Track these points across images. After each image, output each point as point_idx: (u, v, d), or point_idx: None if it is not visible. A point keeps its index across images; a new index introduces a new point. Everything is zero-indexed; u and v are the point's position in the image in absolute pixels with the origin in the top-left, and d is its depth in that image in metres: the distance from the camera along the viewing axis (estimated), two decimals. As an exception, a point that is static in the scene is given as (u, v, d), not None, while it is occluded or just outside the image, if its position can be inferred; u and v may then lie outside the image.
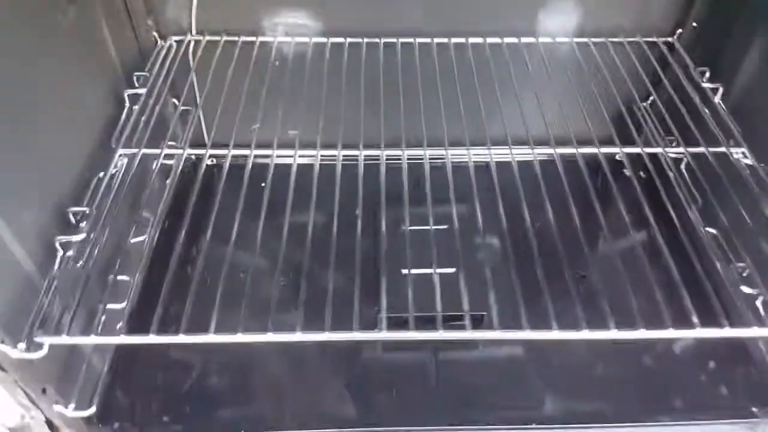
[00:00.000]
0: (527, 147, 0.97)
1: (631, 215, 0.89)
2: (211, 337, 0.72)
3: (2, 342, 0.68)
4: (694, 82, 1.04)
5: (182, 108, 1.07)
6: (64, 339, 0.72)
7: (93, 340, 0.73)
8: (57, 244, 0.79)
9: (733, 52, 1.03)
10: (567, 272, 0.81)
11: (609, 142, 0.99)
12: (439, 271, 0.83)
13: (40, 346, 0.71)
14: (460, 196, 0.91)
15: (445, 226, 0.91)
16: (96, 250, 0.81)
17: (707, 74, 1.04)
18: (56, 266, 0.79)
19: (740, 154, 0.94)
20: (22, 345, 0.69)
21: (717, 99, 1.01)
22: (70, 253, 0.80)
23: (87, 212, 0.84)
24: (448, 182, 0.92)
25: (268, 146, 0.97)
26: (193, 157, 1.08)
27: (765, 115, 0.95)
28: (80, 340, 0.76)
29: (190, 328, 0.73)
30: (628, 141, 1.00)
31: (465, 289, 0.81)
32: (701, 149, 0.94)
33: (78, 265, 0.80)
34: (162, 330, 0.73)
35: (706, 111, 1.00)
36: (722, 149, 0.93)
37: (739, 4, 1.01)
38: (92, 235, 0.82)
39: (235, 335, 0.72)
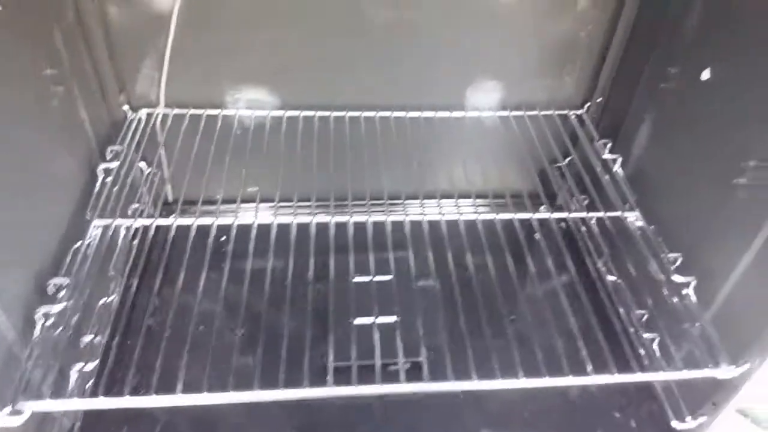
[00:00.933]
0: (466, 202, 1.09)
1: (554, 265, 0.98)
2: (179, 398, 0.77)
3: (-12, 410, 0.73)
4: (597, 152, 1.14)
5: (151, 171, 1.14)
6: (47, 404, 0.77)
7: (73, 404, 0.78)
8: (37, 315, 0.84)
9: (629, 125, 1.13)
10: (499, 317, 0.90)
11: (535, 198, 1.10)
12: (379, 320, 0.90)
13: (21, 411, 0.75)
14: (402, 248, 0.99)
15: (388, 277, 0.99)
16: (73, 319, 0.87)
17: (609, 145, 1.14)
18: (36, 334, 0.83)
19: (633, 218, 1.03)
20: (7, 410, 0.74)
21: (616, 168, 1.11)
22: (49, 321, 0.84)
23: (65, 284, 0.88)
24: (387, 235, 1.00)
25: (232, 202, 1.05)
26: (161, 216, 1.14)
27: (652, 183, 1.04)
28: (61, 405, 0.80)
29: (159, 386, 0.78)
30: (550, 197, 1.13)
31: (401, 337, 0.88)
32: (600, 213, 1.04)
33: (56, 332, 0.85)
34: (131, 388, 0.79)
35: (607, 178, 1.10)
36: (618, 214, 1.03)
37: (633, 83, 1.11)
38: (69, 303, 0.87)
39: (201, 395, 0.78)
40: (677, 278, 0.92)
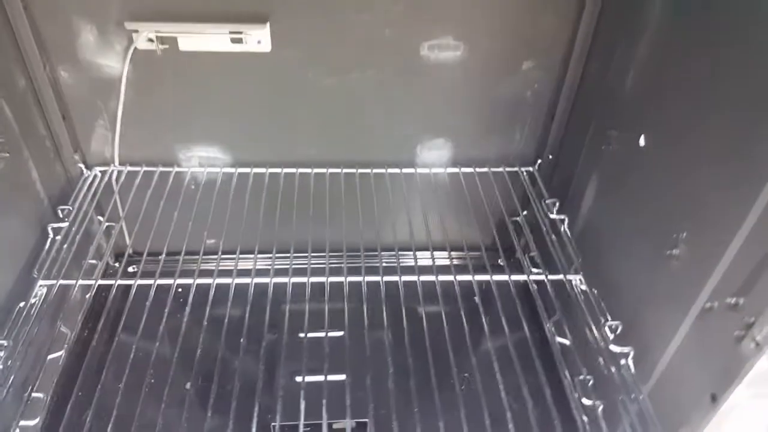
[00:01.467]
0: (423, 255, 1.07)
1: (507, 323, 0.96)
2: None
3: None
4: (545, 212, 1.12)
5: (106, 224, 1.15)
6: None
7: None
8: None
9: (577, 185, 1.11)
10: (453, 376, 0.90)
11: (492, 251, 1.10)
12: (329, 378, 0.88)
13: None
14: (354, 301, 0.98)
15: (339, 333, 0.96)
16: (11, 377, 0.86)
17: (557, 205, 1.13)
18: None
19: (577, 281, 1.01)
20: None
21: (563, 228, 1.09)
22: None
23: (5, 344, 0.88)
24: (344, 292, 0.99)
25: (178, 254, 1.04)
26: (119, 268, 1.13)
27: (597, 245, 1.02)
28: None
29: None
30: (507, 251, 1.13)
31: (350, 395, 0.87)
32: (541, 277, 1.02)
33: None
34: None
35: (554, 238, 1.08)
36: (560, 277, 1.01)
37: (580, 143, 1.10)
38: (9, 363, 0.86)
39: None
40: (615, 348, 0.89)
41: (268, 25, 1.01)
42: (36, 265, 1.00)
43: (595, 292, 0.99)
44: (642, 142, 0.90)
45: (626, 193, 0.95)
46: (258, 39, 1.02)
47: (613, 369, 0.89)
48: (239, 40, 1.02)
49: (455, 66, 1.09)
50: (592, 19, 1.03)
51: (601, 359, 0.90)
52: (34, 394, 0.88)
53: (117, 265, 1.21)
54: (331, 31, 1.04)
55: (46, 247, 1.04)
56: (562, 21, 1.05)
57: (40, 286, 0.98)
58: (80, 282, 1.00)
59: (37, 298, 0.98)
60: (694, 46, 0.79)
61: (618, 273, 0.96)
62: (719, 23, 0.74)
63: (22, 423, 0.86)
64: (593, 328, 0.94)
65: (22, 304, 0.95)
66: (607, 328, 0.93)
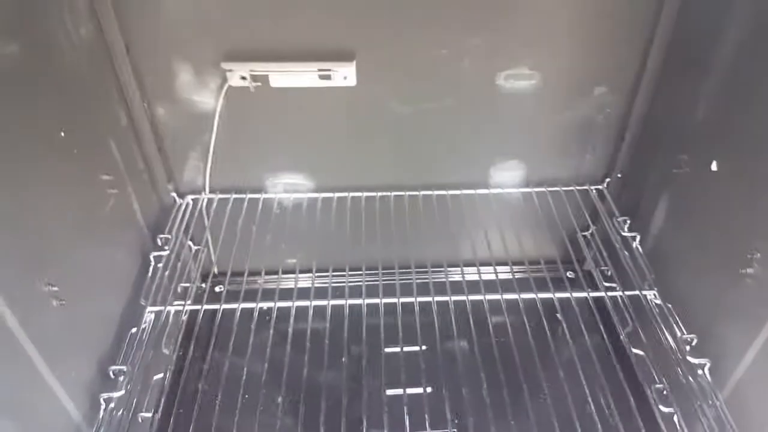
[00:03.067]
0: (489, 269, 1.17)
1: (585, 334, 1.05)
2: None
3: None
4: (616, 229, 1.20)
5: (199, 250, 1.26)
6: None
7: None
8: (101, 399, 0.94)
9: (647, 204, 1.19)
10: (525, 389, 0.97)
11: (557, 263, 1.22)
12: (409, 391, 0.98)
13: None
14: (429, 321, 1.07)
15: (416, 348, 1.06)
16: (134, 400, 0.96)
17: (628, 222, 1.20)
18: (101, 416, 0.93)
19: (652, 296, 1.09)
20: None
21: (635, 245, 1.16)
22: (111, 405, 0.94)
23: (124, 370, 0.98)
24: (415, 312, 1.09)
25: (268, 273, 1.18)
26: (207, 288, 1.25)
27: (669, 262, 1.10)
28: None
29: None
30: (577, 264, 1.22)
31: (430, 408, 0.95)
32: (618, 293, 1.09)
33: (118, 414, 0.94)
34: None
35: (627, 255, 1.16)
36: (636, 292, 1.09)
37: (649, 163, 1.17)
38: (129, 387, 0.97)
39: None
40: (692, 359, 0.97)
41: (354, 62, 1.09)
42: (142, 292, 1.10)
43: (670, 306, 1.06)
44: (714, 167, 0.97)
45: (698, 214, 1.03)
46: (344, 75, 1.11)
47: (690, 378, 0.96)
48: (327, 77, 1.11)
49: (529, 93, 1.17)
50: (661, 50, 1.11)
51: (678, 369, 0.97)
52: (143, 414, 0.99)
53: (204, 286, 1.30)
54: (411, 65, 1.13)
55: (149, 274, 1.14)
56: (633, 50, 1.13)
57: (149, 312, 1.08)
58: (183, 308, 1.09)
59: (147, 323, 1.07)
60: (766, 79, 0.86)
61: (691, 289, 1.04)
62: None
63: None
64: (669, 340, 1.01)
65: (133, 330, 1.06)
66: (681, 341, 1.00)
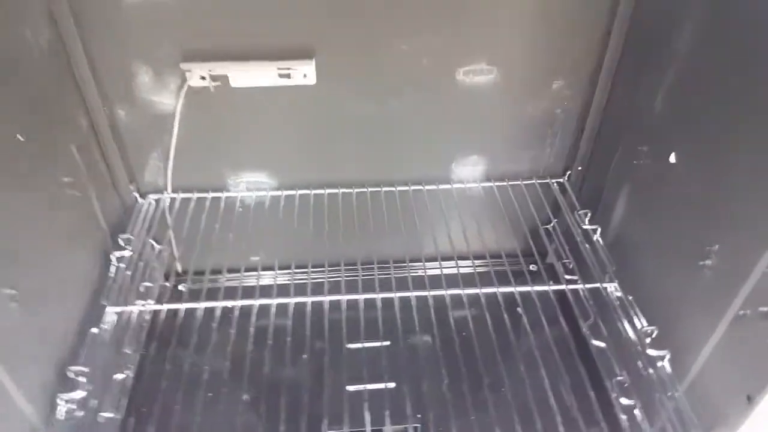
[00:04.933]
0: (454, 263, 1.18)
1: (546, 326, 1.06)
2: None
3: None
4: (577, 222, 1.21)
5: (162, 249, 1.26)
6: None
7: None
8: (59, 400, 0.93)
9: (608, 197, 1.19)
10: (487, 382, 0.99)
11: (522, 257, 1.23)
12: (371, 386, 0.99)
13: None
14: (391, 316, 1.08)
15: (377, 343, 1.07)
16: (94, 402, 0.96)
17: (589, 215, 1.21)
18: (59, 419, 0.92)
19: (612, 288, 1.10)
20: None
21: (596, 237, 1.18)
22: (71, 406, 0.93)
23: (84, 371, 0.96)
24: (377, 308, 1.08)
25: (231, 271, 1.17)
26: (170, 286, 1.26)
27: (630, 254, 1.11)
28: None
29: None
30: (540, 256, 1.23)
31: (392, 403, 0.96)
32: (579, 285, 1.11)
33: (78, 415, 0.93)
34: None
35: (588, 247, 1.17)
36: (597, 285, 1.10)
37: (610, 156, 1.18)
38: (89, 388, 0.96)
39: None
40: (652, 351, 0.98)
41: (314, 61, 1.09)
42: (103, 292, 1.09)
43: (630, 298, 1.07)
44: (673, 158, 0.98)
45: (657, 206, 1.04)
46: (304, 73, 1.11)
47: (650, 370, 0.97)
48: (287, 75, 1.11)
49: (488, 88, 1.17)
50: (618, 43, 1.11)
51: (639, 362, 0.98)
52: (105, 414, 0.98)
53: (167, 284, 1.30)
54: (371, 62, 1.13)
55: (111, 274, 1.13)
56: (590, 44, 1.14)
57: (110, 312, 1.07)
58: (145, 307, 1.09)
59: (108, 324, 1.07)
60: (723, 69, 0.87)
61: (651, 280, 1.05)
62: (747, 48, 0.82)
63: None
64: (630, 332, 1.02)
65: (94, 330, 1.04)
66: (642, 333, 1.01)
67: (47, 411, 0.92)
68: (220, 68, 1.09)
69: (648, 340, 1.00)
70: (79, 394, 0.94)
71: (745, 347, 0.81)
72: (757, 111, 0.80)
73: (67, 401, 0.93)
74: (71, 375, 0.96)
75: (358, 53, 1.11)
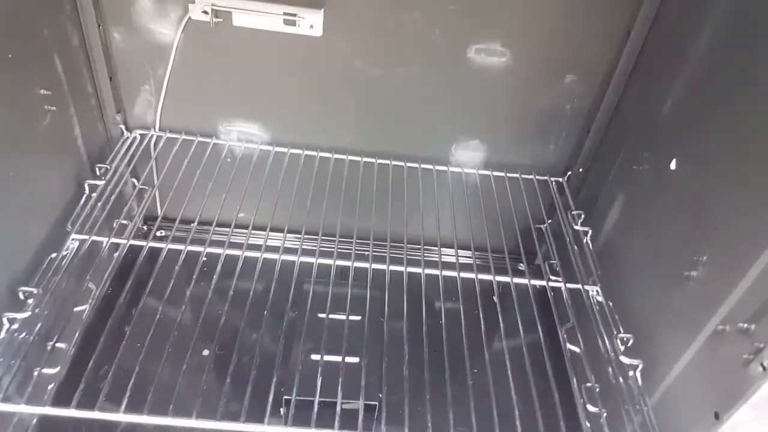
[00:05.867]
0: (446, 251, 1.15)
1: (522, 325, 1.02)
2: (145, 418, 0.82)
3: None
4: (569, 222, 1.18)
5: (140, 187, 1.21)
6: (13, 407, 0.82)
7: (21, 408, 0.83)
8: (4, 320, 0.89)
9: (604, 200, 1.16)
10: (465, 371, 0.94)
11: (514, 255, 1.16)
12: (346, 360, 0.95)
13: None
14: (377, 288, 1.05)
15: (359, 317, 1.03)
16: (38, 325, 0.92)
17: (582, 217, 1.18)
18: (1, 336, 0.89)
19: (594, 292, 1.07)
20: None
21: (586, 240, 1.15)
22: (15, 326, 0.90)
23: (35, 292, 0.93)
24: (367, 278, 1.05)
25: (209, 224, 1.11)
26: (144, 228, 1.21)
27: (617, 260, 1.08)
28: (29, 409, 0.84)
29: (128, 400, 0.83)
30: (528, 255, 1.19)
31: (365, 378, 0.93)
32: (560, 284, 1.07)
33: (21, 336, 0.90)
34: (87, 400, 0.83)
35: (575, 248, 1.14)
36: (578, 286, 1.07)
37: (612, 160, 1.15)
38: (36, 311, 0.93)
39: (166, 418, 0.82)
40: (625, 359, 0.95)
41: (322, 11, 1.06)
42: (70, 219, 1.06)
43: (611, 304, 1.04)
44: (673, 165, 0.95)
45: (651, 213, 1.01)
46: (311, 23, 1.08)
47: (621, 379, 0.94)
48: (292, 22, 1.07)
49: (499, 72, 1.14)
50: (636, 45, 1.09)
51: (610, 369, 0.95)
52: (57, 344, 0.94)
53: (146, 228, 1.27)
54: (383, 24, 1.10)
55: (81, 202, 1.10)
56: (609, 42, 1.11)
57: (73, 239, 1.04)
58: (112, 240, 1.05)
59: (69, 251, 1.03)
60: (733, 81, 0.85)
61: (634, 288, 1.02)
62: (759, 61, 0.80)
63: (45, 370, 0.92)
64: (605, 338, 0.99)
65: (53, 255, 1.01)
66: (618, 340, 0.98)
67: (-12, 330, 0.88)
68: (224, 3, 1.06)
69: (622, 348, 0.97)
70: (25, 314, 0.90)
71: (718, 363, 0.78)
72: (758, 128, 0.78)
73: (11, 320, 0.89)
74: (21, 296, 0.93)
75: (371, 11, 1.08)
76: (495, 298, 1.04)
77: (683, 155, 0.93)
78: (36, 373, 0.88)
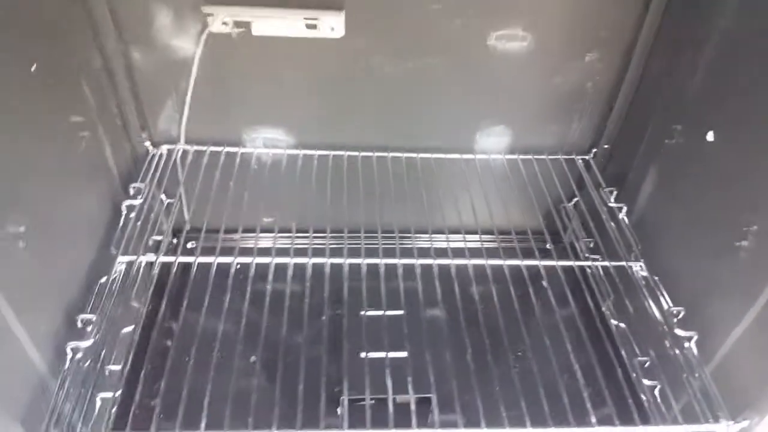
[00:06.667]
0: (474, 238, 1.14)
1: (558, 306, 1.04)
2: None
3: (25, 442, 0.80)
4: (603, 199, 1.20)
5: (172, 203, 1.23)
6: None
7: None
8: (68, 349, 0.90)
9: (635, 175, 1.18)
10: (508, 355, 0.98)
11: (541, 236, 1.18)
12: (391, 355, 0.96)
13: None
14: (412, 284, 1.06)
15: (399, 312, 1.05)
16: (103, 351, 0.94)
17: (615, 193, 1.20)
18: (66, 367, 0.89)
19: (638, 267, 1.09)
20: None
21: (622, 216, 1.17)
22: (78, 355, 0.91)
23: (93, 319, 0.94)
24: (398, 274, 1.06)
25: (242, 231, 1.12)
26: (178, 244, 1.20)
27: (657, 233, 1.10)
28: None
29: (183, 420, 0.84)
30: (556, 236, 1.22)
31: (411, 372, 0.94)
32: (605, 263, 1.09)
33: (85, 365, 0.91)
34: (145, 422, 0.85)
35: (613, 225, 1.16)
36: (623, 263, 1.09)
37: (639, 134, 1.17)
38: (98, 338, 0.94)
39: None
40: (679, 332, 0.97)
41: (343, 12, 1.06)
42: (113, 241, 1.07)
43: (656, 278, 1.06)
44: (710, 137, 0.96)
45: (690, 186, 1.03)
46: (332, 25, 1.08)
47: (677, 351, 0.96)
48: (313, 26, 1.08)
49: (521, 56, 1.15)
50: (656, 16, 1.10)
51: (666, 342, 0.97)
52: (110, 367, 0.96)
53: (176, 241, 1.27)
54: (403, 19, 1.10)
55: (121, 223, 1.10)
56: (628, 16, 1.12)
57: (119, 262, 1.05)
58: (157, 259, 1.06)
59: (117, 273, 1.04)
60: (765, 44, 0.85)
61: (680, 260, 1.04)
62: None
63: (102, 394, 0.94)
64: (656, 312, 1.01)
65: (103, 280, 1.02)
66: (669, 314, 1.00)
67: (52, 358, 0.89)
68: (243, 14, 1.06)
69: (674, 321, 0.98)
70: (87, 342, 0.91)
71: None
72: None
73: (74, 350, 0.90)
74: (80, 324, 0.94)
75: (390, 8, 1.09)
76: (544, 283, 1.06)
77: (720, 126, 0.94)
78: (98, 399, 0.91)
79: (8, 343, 0.80)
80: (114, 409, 0.98)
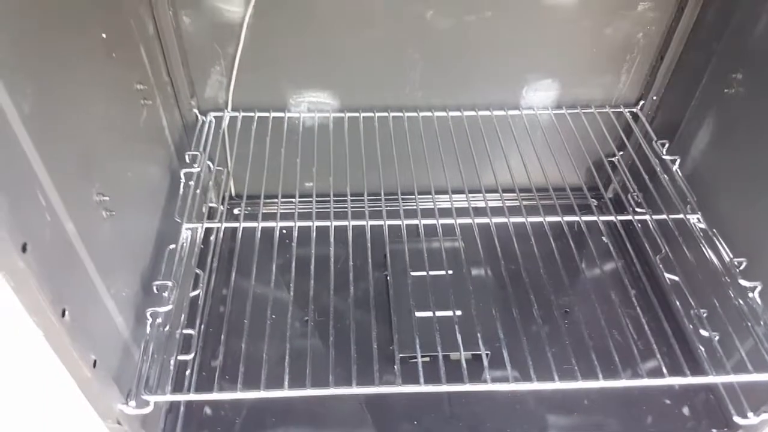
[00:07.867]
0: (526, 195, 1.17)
1: (604, 259, 1.06)
2: (263, 393, 0.87)
3: (120, 402, 0.84)
4: (655, 152, 1.21)
5: (220, 170, 1.26)
6: (167, 397, 0.88)
7: (189, 397, 0.88)
8: (148, 314, 0.94)
9: (688, 127, 1.20)
10: (555, 311, 1.00)
11: (579, 190, 1.20)
12: (438, 314, 0.99)
13: (146, 402, 0.86)
14: (453, 244, 1.10)
15: (444, 272, 1.07)
16: (182, 316, 0.98)
17: (666, 145, 1.22)
18: (148, 331, 0.93)
19: (695, 220, 1.11)
20: (132, 403, 0.85)
21: (675, 168, 1.18)
22: (158, 320, 0.94)
23: (169, 285, 0.97)
24: (438, 233, 1.09)
25: (291, 196, 1.14)
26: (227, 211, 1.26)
27: (713, 185, 1.12)
28: (179, 397, 0.90)
29: (244, 380, 0.88)
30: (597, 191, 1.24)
31: (460, 329, 0.97)
32: (663, 216, 1.11)
33: (164, 329, 0.95)
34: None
35: (666, 178, 1.18)
36: (680, 216, 1.11)
37: (691, 85, 1.18)
38: (175, 303, 0.97)
39: (282, 391, 0.87)
40: (744, 282, 0.99)
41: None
42: (176, 209, 1.10)
43: (714, 230, 1.08)
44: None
45: (752, 135, 1.03)
46: (383, -18, 1.08)
47: (740, 302, 0.99)
48: (365, -17, 1.08)
49: (570, 7, 1.16)
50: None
51: (730, 292, 1.00)
52: (185, 331, 0.99)
53: (222, 208, 1.30)
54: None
55: (181, 192, 1.13)
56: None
57: (186, 229, 1.08)
58: (221, 226, 1.09)
59: (184, 240, 1.07)
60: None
61: (739, 211, 1.06)
62: None
63: (180, 357, 0.98)
64: (717, 263, 1.04)
65: (172, 247, 1.05)
66: (731, 265, 1.02)
67: (133, 323, 0.93)
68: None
69: (737, 272, 1.01)
70: (166, 308, 0.95)
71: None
72: None
73: (154, 315, 0.93)
74: (155, 290, 0.97)
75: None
76: (604, 239, 1.08)
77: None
78: (172, 362, 0.96)
79: (98, 308, 0.83)
80: (188, 372, 1.01)
